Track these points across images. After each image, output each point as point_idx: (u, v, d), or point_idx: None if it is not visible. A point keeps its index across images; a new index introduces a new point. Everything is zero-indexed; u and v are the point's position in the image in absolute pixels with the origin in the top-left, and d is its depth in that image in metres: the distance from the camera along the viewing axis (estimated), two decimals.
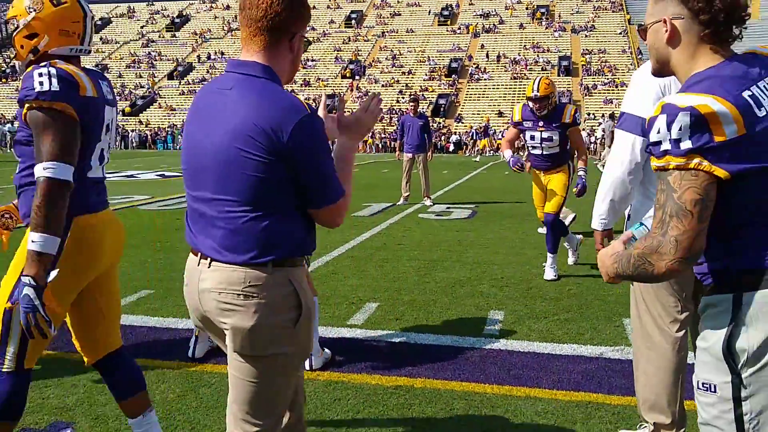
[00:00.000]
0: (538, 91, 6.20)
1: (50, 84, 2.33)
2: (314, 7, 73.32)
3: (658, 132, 1.62)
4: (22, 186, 2.51)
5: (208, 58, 64.94)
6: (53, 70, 2.36)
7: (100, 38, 71.35)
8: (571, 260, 7.07)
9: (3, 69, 65.34)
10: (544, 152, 6.41)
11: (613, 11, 65.31)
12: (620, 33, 60.73)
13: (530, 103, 6.33)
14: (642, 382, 3.00)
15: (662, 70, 1.84)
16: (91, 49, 2.67)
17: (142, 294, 5.72)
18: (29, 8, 2.49)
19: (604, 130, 23.22)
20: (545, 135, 6.33)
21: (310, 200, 1.95)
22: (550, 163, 6.47)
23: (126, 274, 6.48)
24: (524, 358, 4.23)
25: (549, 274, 6.35)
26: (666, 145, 1.60)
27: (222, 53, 65.39)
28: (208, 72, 62.38)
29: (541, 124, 6.33)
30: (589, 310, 5.29)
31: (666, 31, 1.75)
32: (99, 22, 75.39)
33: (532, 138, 6.38)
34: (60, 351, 4.30)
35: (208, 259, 1.95)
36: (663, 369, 2.92)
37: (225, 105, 1.92)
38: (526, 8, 68.73)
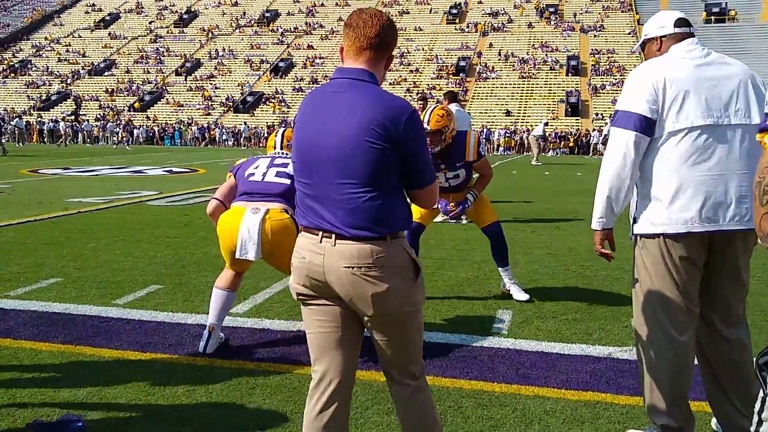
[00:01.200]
0: (428, 125, 5.16)
1: None
2: (322, 5, 73.37)
3: None
4: None
5: (217, 54, 64.98)
6: None
7: (108, 33, 71.46)
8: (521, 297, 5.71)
9: (11, 63, 65.55)
10: (451, 184, 5.62)
11: (622, 11, 65.07)
12: (629, 33, 60.51)
13: None
14: (648, 387, 2.96)
15: None
16: None
17: (151, 289, 5.75)
18: None
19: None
20: (450, 175, 5.51)
21: (415, 181, 2.36)
22: (457, 191, 5.69)
23: (134, 269, 6.51)
24: (533, 357, 4.23)
25: (520, 295, 5.58)
26: None
27: (230, 50, 65.44)
28: (216, 68, 62.44)
29: (443, 166, 5.42)
30: (598, 310, 5.29)
31: None
32: (107, 18, 75.54)
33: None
34: (71, 345, 4.33)
35: (333, 236, 2.27)
36: (672, 374, 2.88)
37: (343, 104, 2.28)
38: (535, 7, 68.51)
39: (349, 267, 2.26)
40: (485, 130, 44.55)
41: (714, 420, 3.25)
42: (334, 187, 2.28)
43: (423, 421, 2.46)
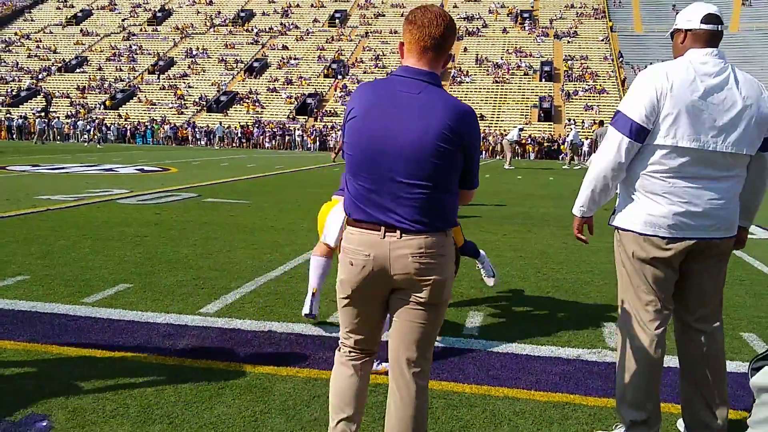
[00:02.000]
0: None
1: None
2: (298, 6, 73.18)
3: None
4: None
5: (191, 53, 64.48)
6: None
7: (80, 30, 70.60)
8: (490, 283, 5.75)
9: None
10: None
11: (595, 18, 65.75)
12: (602, 40, 61.17)
13: None
14: (622, 379, 3.05)
15: None
16: None
17: (120, 288, 5.68)
18: None
19: (599, 136, 23.13)
20: None
21: (467, 182, 2.54)
22: None
23: (104, 267, 6.43)
24: (503, 358, 4.25)
25: (488, 281, 5.56)
26: None
27: (204, 49, 64.97)
28: (189, 67, 61.94)
29: None
30: (567, 313, 5.34)
31: None
32: (80, 14, 74.62)
33: None
34: (37, 344, 4.26)
35: (398, 231, 2.40)
36: (642, 366, 2.98)
37: (416, 106, 2.38)
38: (510, 13, 69.01)
39: (417, 255, 2.40)
40: None
41: (680, 421, 3.30)
42: (401, 185, 2.39)
43: (420, 426, 2.55)
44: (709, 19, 2.90)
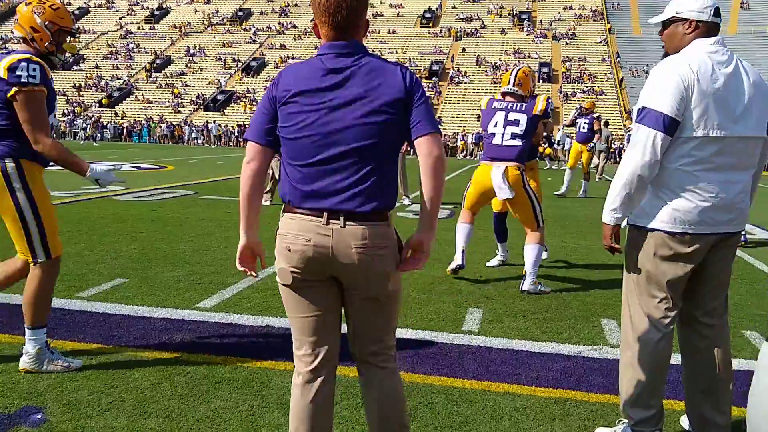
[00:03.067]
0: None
1: None
2: (296, 5, 73.13)
3: None
4: None
5: (188, 52, 64.39)
6: None
7: (78, 28, 70.45)
8: (494, 262, 7.12)
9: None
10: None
11: (594, 20, 65.81)
12: (600, 42, 61.21)
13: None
14: (628, 376, 3.00)
15: None
16: None
17: (116, 282, 5.63)
18: None
19: (607, 138, 22.84)
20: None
21: (423, 127, 2.30)
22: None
23: (100, 262, 6.38)
24: (503, 354, 4.21)
25: (493, 261, 7.05)
26: None
27: (202, 48, 64.88)
28: (187, 66, 61.85)
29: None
30: (567, 310, 5.30)
31: None
32: (77, 12, 74.45)
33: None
34: None
35: (341, 217, 2.26)
36: (651, 364, 2.94)
37: (350, 78, 2.28)
38: (509, 14, 69.03)
39: (360, 246, 2.27)
40: (460, 134, 44.58)
41: (684, 417, 3.26)
42: (345, 165, 2.25)
43: (396, 406, 2.47)
44: (718, 12, 2.92)
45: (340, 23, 2.29)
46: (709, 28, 2.88)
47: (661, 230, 2.86)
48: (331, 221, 2.27)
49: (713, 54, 2.81)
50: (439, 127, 2.36)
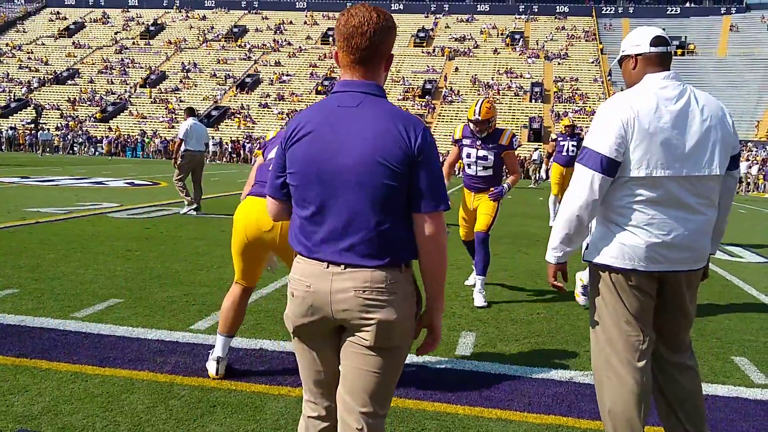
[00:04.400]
0: (479, 115, 6.23)
1: None
2: (291, 22, 73.44)
3: None
4: None
5: (183, 67, 64.51)
6: None
7: (72, 42, 70.53)
8: (471, 281, 7.15)
9: None
10: (478, 172, 6.45)
11: (586, 40, 66.33)
12: (592, 62, 61.66)
13: (471, 125, 6.40)
14: (606, 411, 2.94)
15: None
16: None
17: (110, 303, 5.64)
18: None
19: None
20: (481, 154, 6.36)
21: (426, 202, 2.15)
22: (482, 185, 6.48)
23: (94, 282, 6.39)
24: (495, 380, 4.24)
25: (478, 300, 6.19)
26: None
27: (196, 64, 65.04)
28: (181, 82, 61.97)
29: (479, 142, 6.38)
30: (559, 335, 5.34)
31: None
32: (72, 26, 74.59)
33: (468, 156, 6.43)
34: (26, 358, 4.22)
35: (342, 265, 2.13)
36: (627, 398, 2.87)
37: (355, 121, 2.16)
38: (501, 34, 69.54)
39: (360, 289, 2.12)
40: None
41: None
42: (347, 213, 2.12)
43: None
44: (658, 41, 2.87)
45: (355, 49, 2.18)
46: (656, 60, 2.86)
47: (611, 266, 2.85)
48: (331, 266, 2.15)
49: (662, 90, 2.79)
50: (448, 198, 2.19)
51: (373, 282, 2.12)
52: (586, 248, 2.99)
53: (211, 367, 4.08)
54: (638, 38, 2.92)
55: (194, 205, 12.59)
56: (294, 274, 2.25)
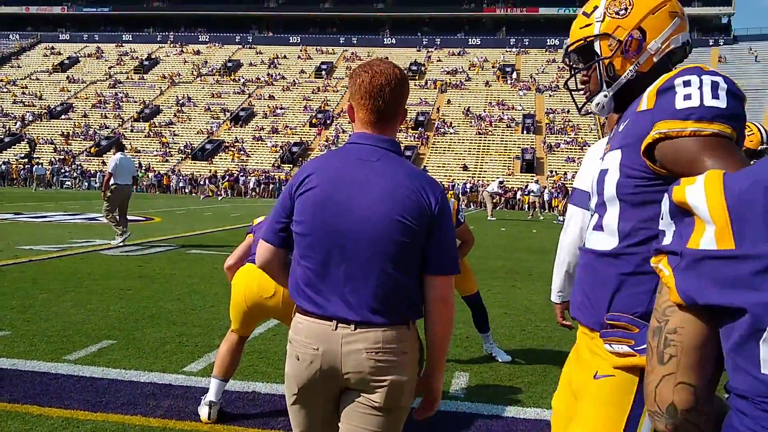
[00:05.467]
0: None
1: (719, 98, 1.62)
2: (285, 57, 74.10)
3: None
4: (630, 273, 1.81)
5: (177, 101, 64.87)
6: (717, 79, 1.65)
7: (67, 77, 70.94)
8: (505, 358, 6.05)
9: None
10: None
11: None
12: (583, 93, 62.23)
13: None
14: None
15: None
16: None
17: (103, 344, 5.62)
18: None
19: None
20: None
21: (439, 264, 2.15)
22: None
23: (86, 322, 6.38)
24: (489, 421, 4.24)
25: (501, 356, 5.73)
26: None
27: (190, 98, 65.41)
28: (175, 116, 62.25)
29: None
30: (552, 373, 5.34)
31: None
32: (66, 61, 75.06)
33: None
34: (18, 404, 4.20)
35: (352, 325, 2.08)
36: None
37: (375, 176, 2.13)
38: (492, 67, 70.29)
39: (373, 350, 2.07)
40: (451, 185, 44.81)
41: None
42: (358, 267, 2.08)
43: None
44: None
45: (380, 107, 2.17)
46: None
47: None
48: (340, 326, 2.09)
49: None
50: (458, 264, 2.20)
51: (385, 342, 2.08)
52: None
53: (203, 411, 4.06)
54: None
55: (127, 234, 12.88)
56: (297, 335, 2.17)
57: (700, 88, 1.59)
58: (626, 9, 1.86)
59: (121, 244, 12.71)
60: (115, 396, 4.42)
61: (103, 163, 53.77)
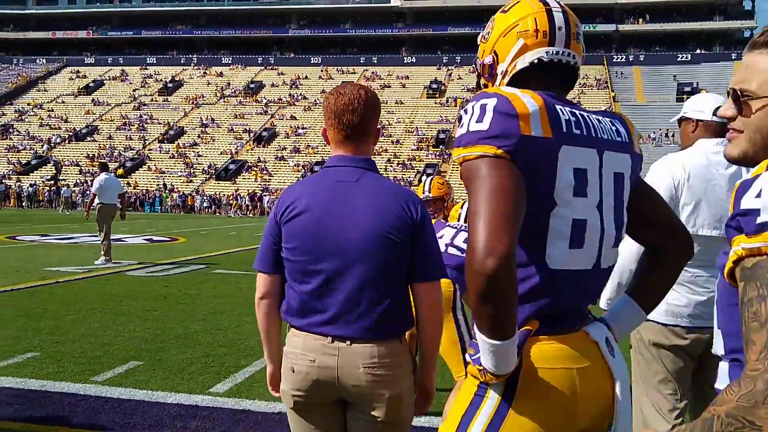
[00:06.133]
0: (430, 192, 5.16)
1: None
2: (306, 77, 74.69)
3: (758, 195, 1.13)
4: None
5: (200, 122, 65.57)
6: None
7: (92, 100, 71.99)
8: None
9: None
10: None
11: (598, 89, 66.87)
12: (605, 109, 62.01)
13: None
14: None
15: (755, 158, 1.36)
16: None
17: (130, 365, 5.68)
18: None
19: None
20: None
21: (425, 271, 2.23)
22: None
23: (113, 343, 6.44)
24: None
25: None
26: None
27: (214, 119, 66.09)
28: (199, 137, 62.89)
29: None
30: None
31: None
32: (92, 84, 76.24)
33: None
34: (47, 425, 4.25)
35: (347, 340, 2.15)
36: None
37: (358, 196, 2.21)
38: None
39: (368, 366, 2.14)
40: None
41: None
42: (350, 285, 2.15)
43: None
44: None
45: (346, 125, 2.25)
46: (714, 128, 2.98)
47: (654, 321, 2.92)
48: (336, 340, 2.15)
49: (714, 155, 2.89)
50: (444, 266, 2.29)
51: (380, 357, 2.15)
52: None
53: None
54: (702, 104, 3.04)
55: (107, 257, 13.12)
56: (293, 348, 2.23)
57: (471, 113, 1.61)
58: (488, 33, 1.87)
59: (101, 262, 12.94)
60: (143, 417, 4.46)
61: (128, 184, 54.49)
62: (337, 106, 2.26)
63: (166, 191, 52.12)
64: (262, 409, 4.69)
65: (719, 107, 2.99)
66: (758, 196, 1.08)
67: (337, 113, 2.26)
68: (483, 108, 1.61)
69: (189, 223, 33.02)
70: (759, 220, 1.06)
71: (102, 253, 13.10)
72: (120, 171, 56.58)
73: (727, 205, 2.84)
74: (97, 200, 13.11)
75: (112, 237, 13.60)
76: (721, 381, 1.29)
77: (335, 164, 2.29)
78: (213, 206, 49.66)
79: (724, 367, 1.30)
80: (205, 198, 50.36)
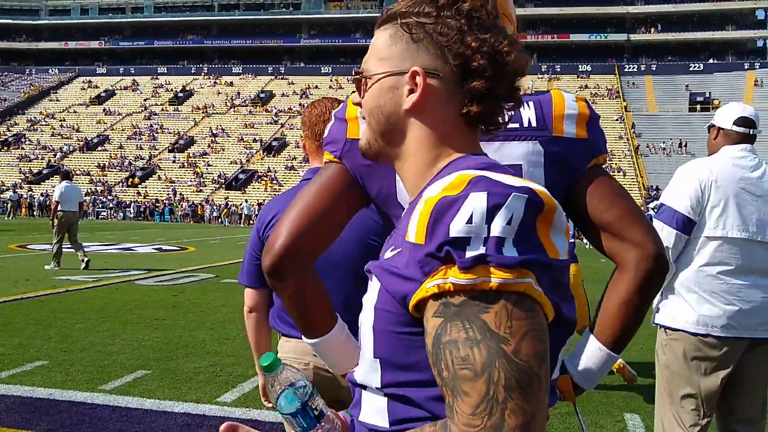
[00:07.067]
0: None
1: None
2: (316, 87, 74.91)
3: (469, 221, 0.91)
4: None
5: (211, 132, 65.83)
6: None
7: (103, 109, 72.45)
8: None
9: (5, 137, 66.03)
10: None
11: (609, 98, 66.74)
12: (617, 119, 61.89)
13: None
14: None
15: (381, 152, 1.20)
16: None
17: (138, 374, 5.65)
18: None
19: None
20: None
21: None
22: None
23: (122, 352, 6.42)
24: None
25: None
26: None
27: (224, 128, 66.34)
28: (209, 146, 63.14)
29: None
30: (591, 404, 5.24)
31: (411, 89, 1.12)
32: (103, 94, 76.75)
33: None
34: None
35: None
36: None
37: None
38: (525, 93, 69.87)
39: None
40: None
41: None
42: (340, 295, 2.07)
43: None
44: (741, 122, 2.98)
45: (319, 135, 2.27)
46: (733, 138, 2.98)
47: (685, 331, 2.88)
48: None
49: (738, 159, 2.90)
50: None
51: None
52: (656, 311, 3.03)
53: None
54: (726, 113, 3.04)
55: (86, 258, 13.46)
56: (286, 354, 2.23)
57: None
58: None
59: (84, 267, 13.22)
60: (150, 426, 4.43)
61: (138, 193, 54.71)
62: (311, 117, 2.32)
63: (176, 201, 52.29)
64: (270, 419, 4.66)
65: (742, 117, 2.99)
66: (469, 222, 0.89)
67: (311, 125, 2.32)
68: None
69: (201, 233, 33.08)
70: (472, 252, 0.89)
71: (52, 257, 13.47)
72: (137, 180, 56.90)
73: (753, 208, 2.82)
74: (59, 208, 13.39)
75: (121, 246, 13.66)
76: (376, 414, 1.09)
77: (312, 176, 2.21)
78: (221, 216, 49.75)
79: (379, 401, 1.08)
80: (215, 208, 50.49)
